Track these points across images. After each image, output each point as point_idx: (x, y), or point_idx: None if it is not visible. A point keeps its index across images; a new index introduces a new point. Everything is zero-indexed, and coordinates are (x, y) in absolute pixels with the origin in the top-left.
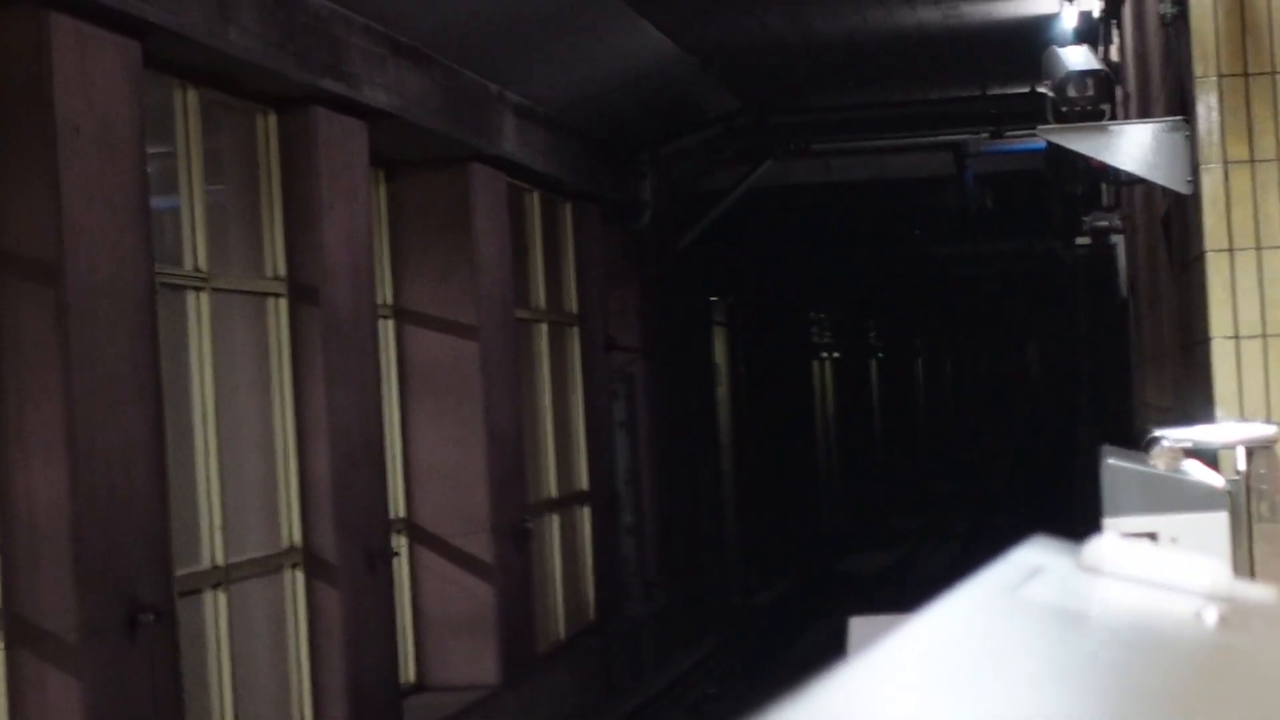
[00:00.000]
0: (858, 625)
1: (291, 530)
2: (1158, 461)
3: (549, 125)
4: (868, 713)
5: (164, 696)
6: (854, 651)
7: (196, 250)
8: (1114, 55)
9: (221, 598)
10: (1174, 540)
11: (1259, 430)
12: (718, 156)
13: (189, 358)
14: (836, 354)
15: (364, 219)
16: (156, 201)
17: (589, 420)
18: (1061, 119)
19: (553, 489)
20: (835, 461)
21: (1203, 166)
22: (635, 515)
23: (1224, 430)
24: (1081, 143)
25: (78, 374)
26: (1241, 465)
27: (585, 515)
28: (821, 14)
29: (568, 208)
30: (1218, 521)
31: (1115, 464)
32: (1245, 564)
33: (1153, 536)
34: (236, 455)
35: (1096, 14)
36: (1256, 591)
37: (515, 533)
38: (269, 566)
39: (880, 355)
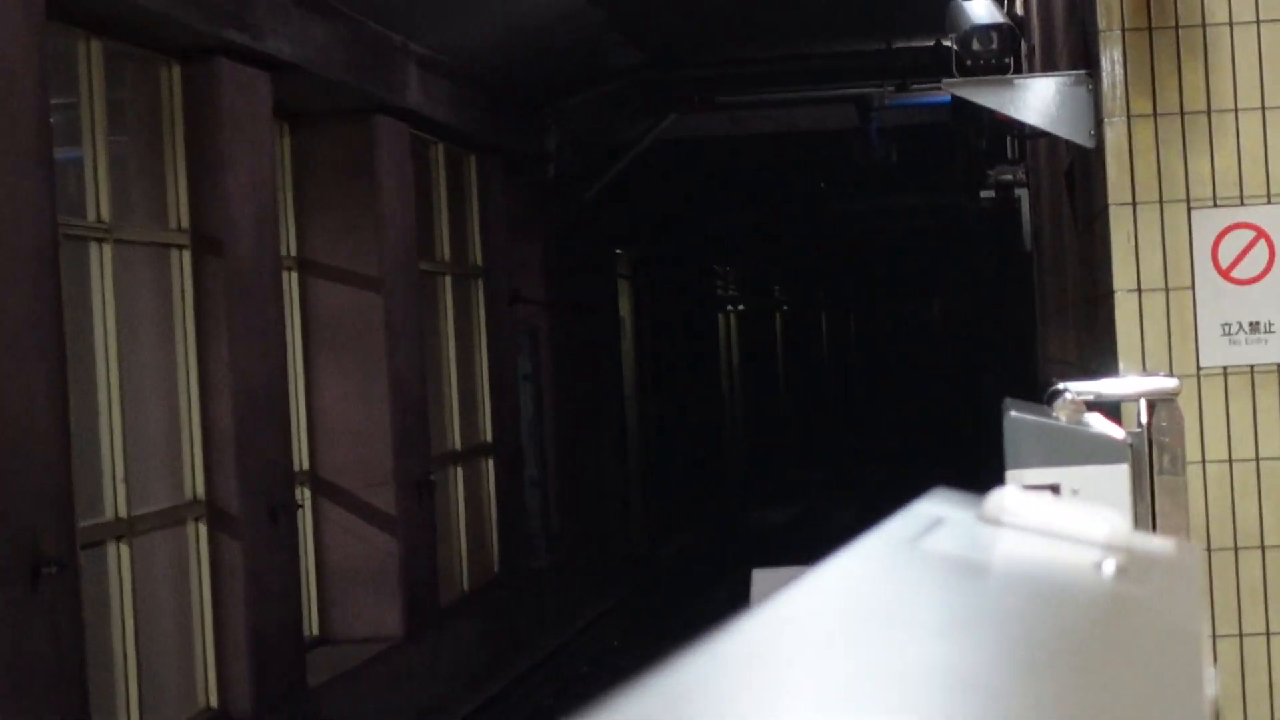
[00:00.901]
0: (760, 577)
1: (195, 483)
2: (1060, 414)
3: (453, 77)
4: (768, 663)
5: (66, 648)
6: (756, 603)
7: (99, 202)
8: (1019, 9)
9: (124, 550)
10: (1075, 492)
11: (1161, 383)
12: (623, 109)
13: (92, 310)
14: (741, 307)
15: (268, 171)
16: (59, 153)
17: (493, 373)
18: (966, 72)
19: (457, 442)
20: (740, 415)
21: (1106, 120)
22: (539, 468)
23: (1126, 383)
24: (986, 96)
25: None
26: (1143, 418)
27: (489, 468)
28: None
29: (472, 160)
30: (1119, 474)
31: (1017, 416)
32: (1146, 516)
33: (1054, 489)
34: (139, 408)
35: None
36: (1155, 543)
37: (419, 485)
38: (172, 519)
39: (785, 309)
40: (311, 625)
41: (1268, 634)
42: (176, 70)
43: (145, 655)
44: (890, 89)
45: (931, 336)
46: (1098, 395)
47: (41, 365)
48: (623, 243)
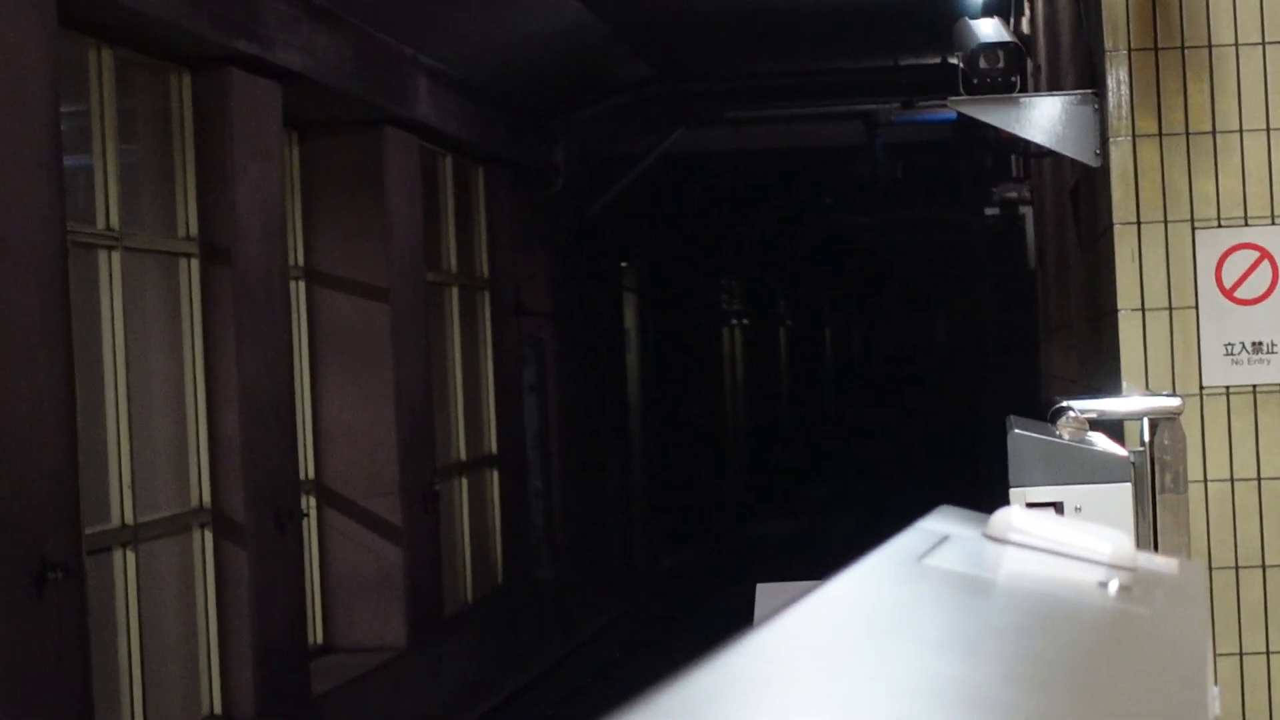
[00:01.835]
0: (764, 591)
1: (201, 490)
2: (1063, 432)
3: (462, 89)
4: (775, 679)
5: (71, 654)
6: (760, 617)
7: (109, 209)
8: (1025, 28)
9: (130, 556)
10: (1078, 510)
11: (1163, 402)
12: (630, 123)
13: (100, 317)
14: (745, 321)
15: (277, 180)
16: (69, 160)
17: (498, 384)
18: (972, 90)
19: (462, 452)
20: (743, 428)
21: (1111, 139)
22: (543, 479)
23: (1129, 402)
24: (992, 114)
25: None
26: (1146, 437)
27: (494, 479)
28: None
29: (479, 172)
30: (1122, 492)
31: (1021, 434)
32: (1149, 535)
33: (1057, 507)
34: (147, 415)
35: None
36: (1159, 562)
37: (424, 495)
38: (178, 526)
39: (789, 323)
40: (316, 634)
41: (1268, 653)
42: (187, 79)
43: (150, 662)
44: (896, 106)
45: (935, 352)
46: (1101, 413)
47: (49, 371)
48: (628, 256)
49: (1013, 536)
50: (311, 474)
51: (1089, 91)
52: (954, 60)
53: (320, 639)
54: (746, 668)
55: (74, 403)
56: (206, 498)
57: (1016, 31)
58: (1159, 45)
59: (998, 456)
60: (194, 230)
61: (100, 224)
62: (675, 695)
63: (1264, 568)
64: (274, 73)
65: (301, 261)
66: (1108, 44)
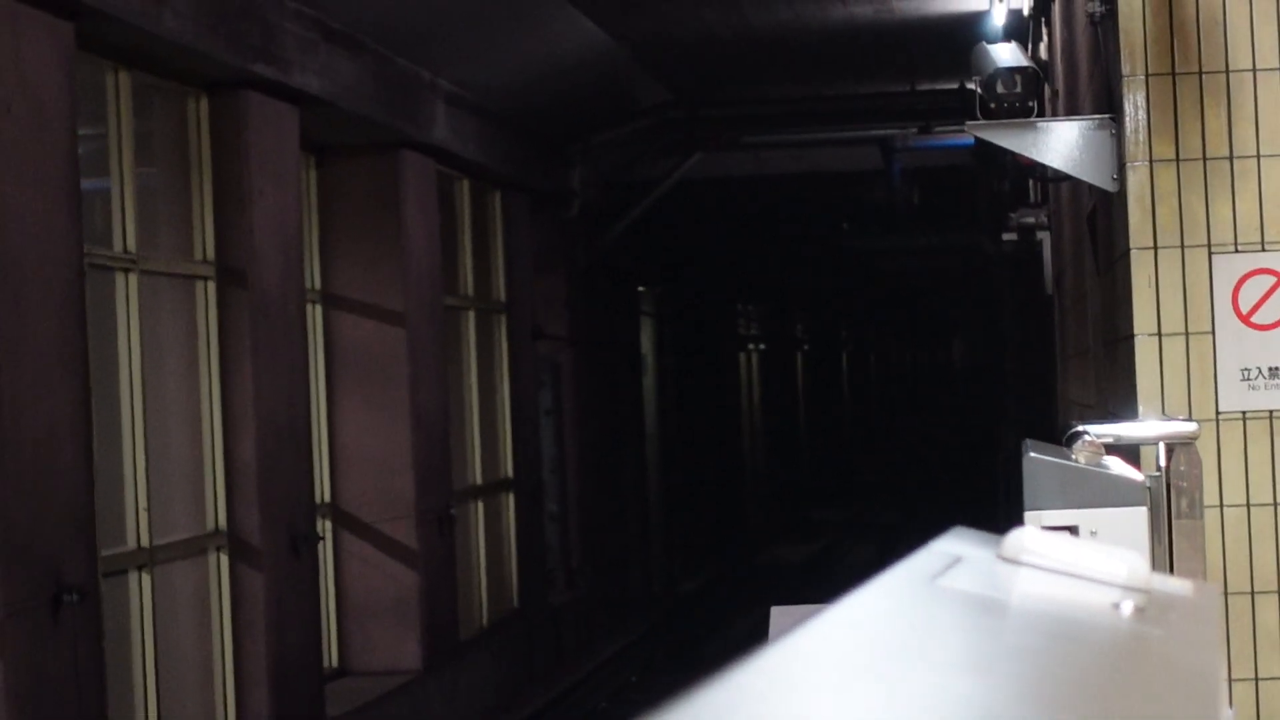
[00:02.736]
0: (779, 614)
1: (217, 513)
2: (1079, 456)
3: (480, 113)
4: (788, 698)
5: (87, 677)
6: (775, 640)
7: (126, 232)
8: (1043, 53)
9: (146, 579)
10: (1094, 534)
11: (1180, 427)
12: (648, 147)
13: (117, 339)
14: (763, 346)
15: (294, 203)
16: (87, 183)
17: (515, 408)
18: (990, 115)
19: (478, 476)
20: (760, 452)
21: (1129, 164)
22: (559, 503)
23: (1145, 427)
24: (1009, 139)
25: (3, 355)
26: (1162, 461)
27: (510, 502)
28: (754, 7)
29: (497, 196)
30: (1137, 516)
31: (1037, 458)
32: (1164, 559)
33: (1073, 530)
34: (163, 437)
35: (1026, 11)
36: (1173, 585)
37: (440, 519)
38: (194, 549)
39: (806, 348)
40: (331, 657)
41: None
42: (204, 102)
43: (165, 685)
44: (913, 131)
45: (951, 377)
46: (1117, 438)
47: (66, 394)
48: (645, 280)
49: (1026, 558)
50: (327, 497)
51: (1106, 116)
52: (971, 85)
53: (335, 662)
54: (759, 686)
55: (90, 425)
56: (222, 521)
57: (1034, 56)
58: (1176, 71)
59: (1015, 480)
60: (211, 253)
61: (117, 247)
62: (691, 710)
63: (1279, 593)
64: (291, 96)
65: (318, 285)
66: (1125, 69)
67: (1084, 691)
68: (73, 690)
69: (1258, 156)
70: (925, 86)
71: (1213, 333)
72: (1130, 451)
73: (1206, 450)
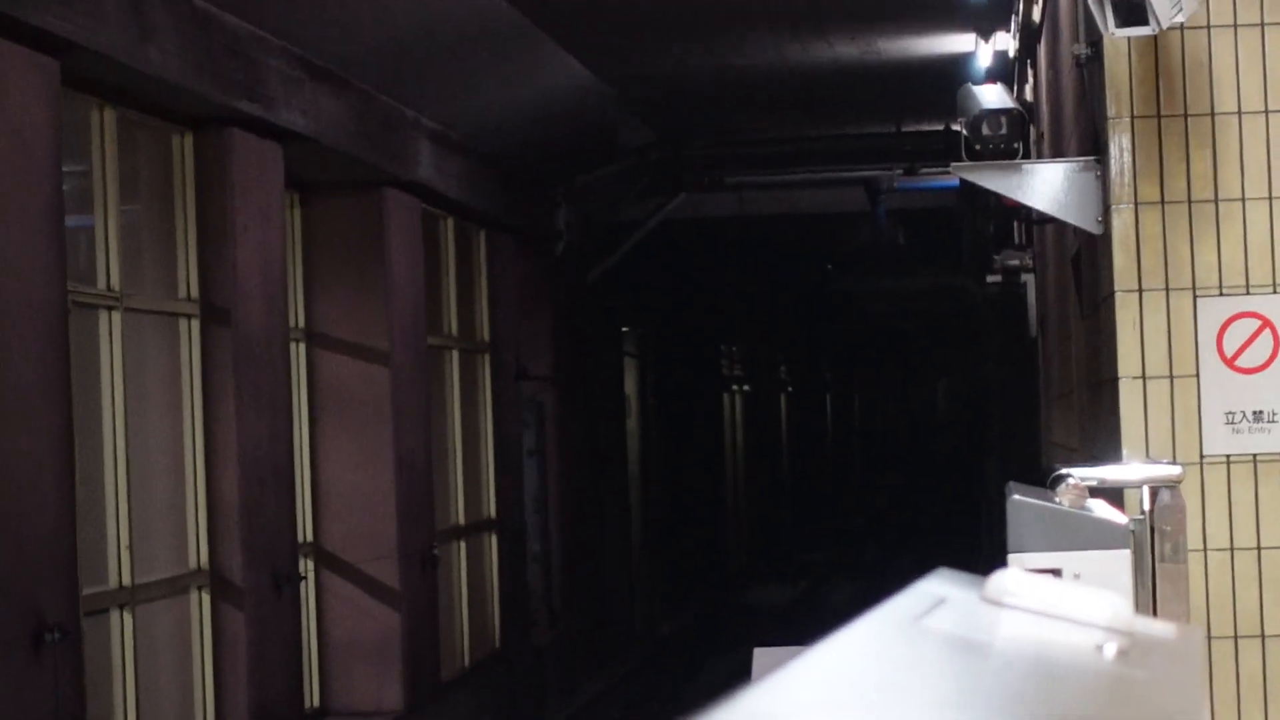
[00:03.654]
0: (762, 655)
1: (199, 552)
2: (1063, 499)
3: (465, 152)
4: None
5: (68, 715)
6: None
7: (110, 269)
8: (1028, 95)
9: (127, 617)
10: (1077, 576)
11: (1164, 470)
12: (632, 188)
13: (100, 377)
14: (746, 387)
15: (278, 241)
16: (71, 219)
17: (498, 448)
18: (975, 156)
19: (460, 516)
20: (744, 493)
21: (1114, 207)
22: (542, 544)
23: (1129, 469)
24: (994, 180)
25: None
26: (1146, 505)
27: (492, 543)
28: (738, 49)
29: (481, 235)
30: (1121, 559)
31: (1020, 500)
32: (1148, 602)
33: (1056, 572)
34: (145, 476)
35: (1011, 54)
36: (1156, 627)
37: (422, 559)
38: (175, 588)
39: (790, 389)
40: (312, 697)
41: None
42: (189, 139)
43: None
44: (899, 172)
45: (935, 418)
46: (1101, 481)
47: (48, 432)
48: (630, 320)
49: (1009, 599)
50: (310, 536)
51: (1092, 159)
52: (957, 126)
53: (317, 702)
54: None
55: (73, 463)
56: (204, 560)
57: (1019, 98)
58: (1162, 113)
59: (998, 522)
60: (195, 291)
61: (101, 284)
62: None
63: (1263, 638)
64: (276, 133)
65: (302, 323)
66: (1111, 111)
67: None
68: None
69: (1243, 199)
70: (910, 128)
71: (1197, 376)
72: (1114, 494)
73: (1190, 494)
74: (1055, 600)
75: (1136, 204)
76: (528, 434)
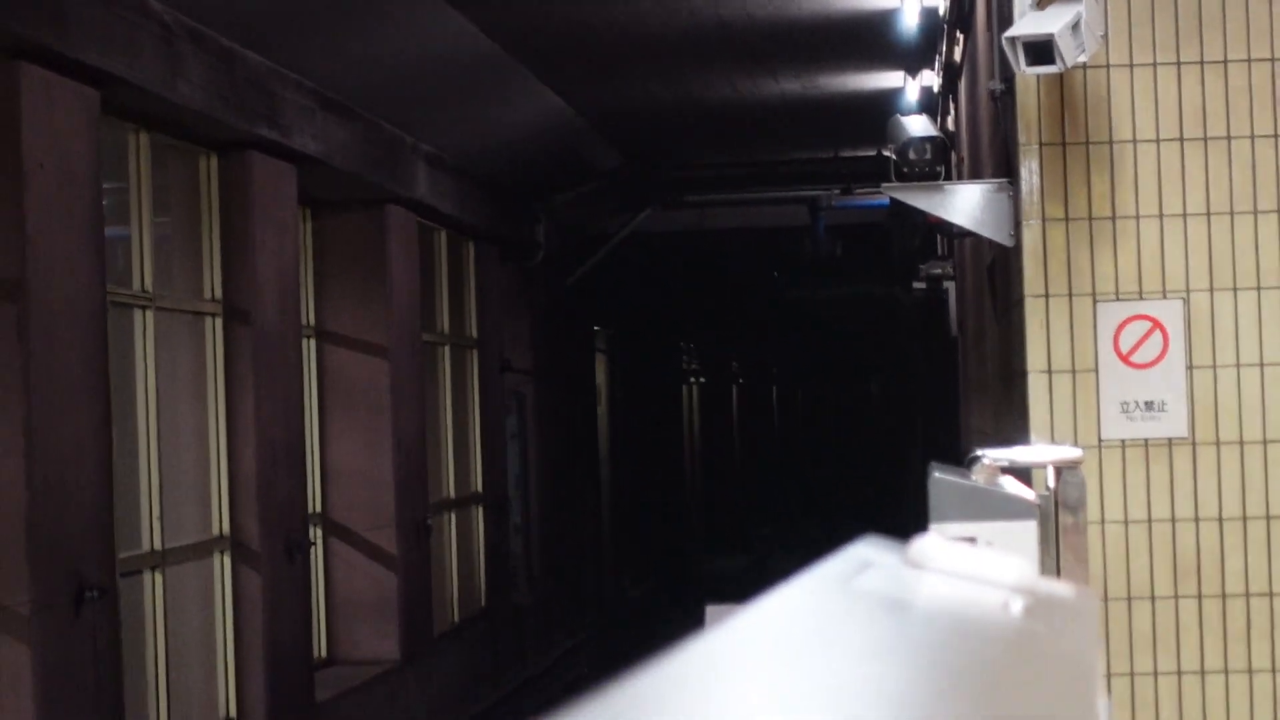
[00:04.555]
0: (714, 612)
1: (221, 521)
2: (978, 477)
3: (456, 173)
4: (718, 678)
5: (105, 665)
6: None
7: (144, 274)
8: (950, 125)
9: (158, 578)
10: (989, 544)
11: (1066, 453)
12: (603, 204)
13: (134, 367)
14: (703, 380)
15: (291, 250)
16: (110, 230)
17: (484, 432)
18: (903, 178)
19: (451, 491)
20: (700, 474)
21: (1024, 223)
22: (523, 516)
23: (1036, 452)
24: (920, 200)
25: (35, 380)
26: (1051, 482)
27: (479, 515)
28: (697, 83)
29: (470, 245)
30: (1028, 530)
31: (940, 477)
32: (1052, 569)
33: (971, 540)
34: (174, 454)
35: (935, 89)
36: (1057, 587)
37: (417, 528)
38: (200, 552)
39: (740, 382)
40: (320, 648)
41: (1155, 674)
42: (214, 161)
43: (174, 671)
44: (836, 192)
45: (869, 410)
46: (1011, 461)
47: (89, 415)
48: (601, 321)
49: (929, 563)
50: (318, 508)
51: (1005, 180)
52: (887, 152)
53: (324, 653)
54: (694, 668)
55: (110, 442)
56: (226, 528)
57: (942, 128)
58: (1066, 141)
59: (922, 497)
60: (218, 293)
61: (136, 286)
62: (630, 689)
63: (1153, 599)
64: (290, 156)
65: (312, 322)
66: (1022, 139)
67: (978, 679)
68: (93, 676)
69: (1137, 217)
70: (847, 153)
71: (1096, 371)
72: (1023, 473)
73: (1090, 473)
74: (969, 564)
75: (1044, 220)
76: (510, 420)
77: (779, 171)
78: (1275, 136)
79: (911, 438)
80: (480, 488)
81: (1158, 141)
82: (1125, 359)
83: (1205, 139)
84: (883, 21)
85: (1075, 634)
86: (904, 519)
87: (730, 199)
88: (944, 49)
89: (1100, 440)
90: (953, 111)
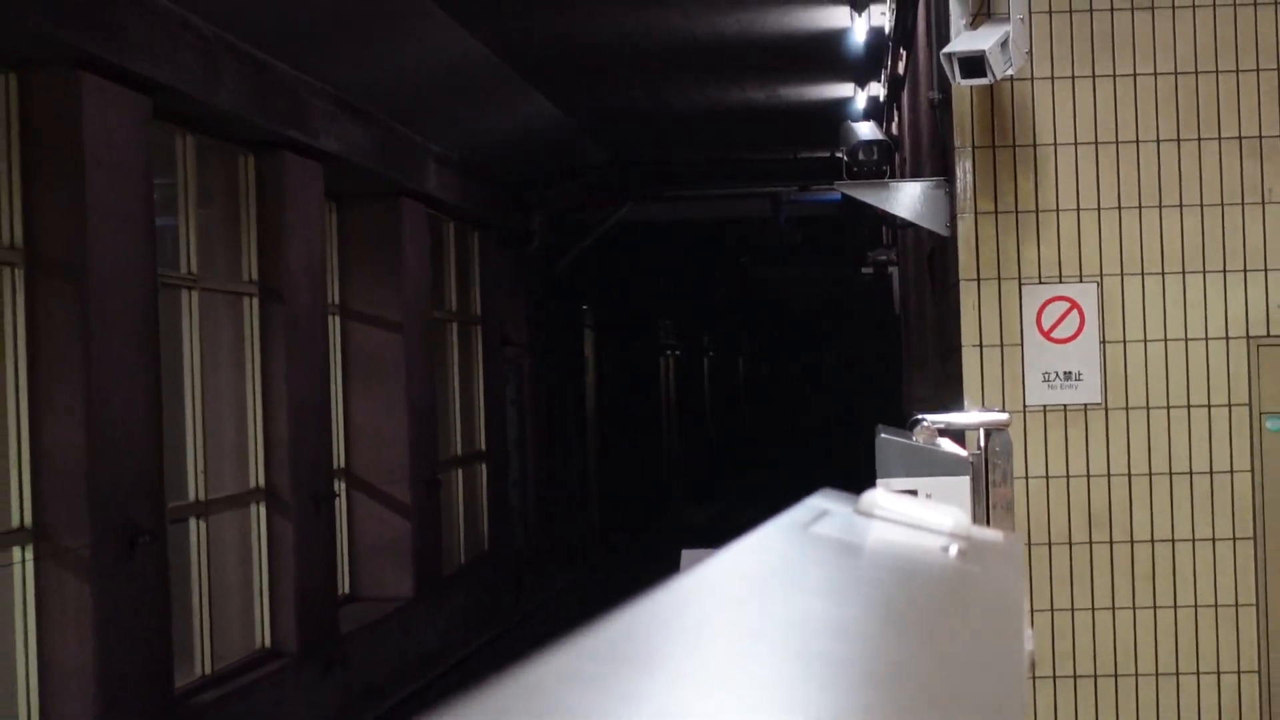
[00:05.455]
0: (688, 556)
1: (257, 474)
2: (919, 438)
3: (462, 169)
4: (694, 613)
5: (155, 601)
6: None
7: (190, 259)
8: (894, 129)
9: (202, 525)
10: (929, 496)
11: (995, 416)
12: (590, 196)
13: (182, 342)
14: (678, 353)
15: (319, 238)
16: (159, 220)
17: (487, 398)
18: (853, 177)
19: (458, 449)
20: (676, 436)
21: (959, 215)
22: (520, 472)
23: (969, 416)
24: (868, 195)
25: (94, 351)
26: (982, 443)
27: (482, 470)
28: (673, 91)
29: (474, 234)
30: (963, 484)
31: (886, 438)
32: (983, 516)
33: (913, 493)
34: (216, 416)
35: (881, 98)
36: (987, 533)
37: (428, 482)
38: (239, 502)
39: (711, 354)
40: (343, 586)
41: (1071, 610)
42: (250, 159)
43: (216, 607)
44: (795, 188)
45: (825, 379)
46: (948, 425)
47: (142, 382)
48: (588, 300)
49: (877, 512)
50: (342, 464)
51: (942, 179)
52: (840, 154)
53: (347, 590)
54: (671, 605)
55: (160, 406)
56: (261, 481)
57: (888, 132)
58: (996, 144)
59: (869, 457)
60: (255, 276)
61: (183, 270)
62: (612, 627)
63: (1070, 545)
64: (317, 155)
65: (337, 301)
66: (957, 142)
67: (920, 613)
68: (144, 612)
69: (1057, 211)
70: (804, 154)
71: (1021, 345)
72: (958, 435)
73: (1015, 435)
74: (912, 513)
75: (976, 213)
76: (509, 388)
77: (745, 169)
78: (1176, 140)
79: (861, 403)
80: (484, 447)
81: (1075, 144)
82: (1047, 335)
83: (1116, 142)
84: (835, 39)
85: (1004, 574)
86: (855, 474)
87: (702, 193)
88: (889, 63)
89: (1025, 406)
90: (897, 118)
